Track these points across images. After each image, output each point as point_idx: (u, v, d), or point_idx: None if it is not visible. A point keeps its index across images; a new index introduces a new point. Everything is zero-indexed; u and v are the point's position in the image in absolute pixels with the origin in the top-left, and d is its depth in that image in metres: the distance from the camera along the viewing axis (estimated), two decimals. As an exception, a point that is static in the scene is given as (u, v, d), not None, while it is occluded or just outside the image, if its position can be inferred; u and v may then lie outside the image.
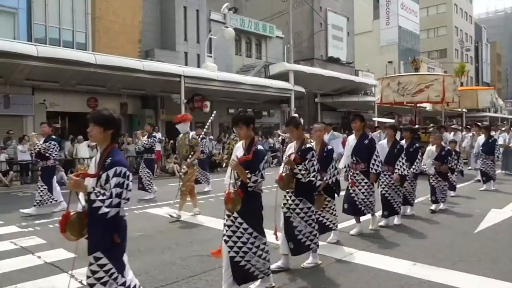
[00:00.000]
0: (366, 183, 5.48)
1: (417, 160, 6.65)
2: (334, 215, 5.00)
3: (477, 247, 4.96)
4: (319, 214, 4.83)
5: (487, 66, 59.43)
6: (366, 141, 5.49)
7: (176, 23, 20.71)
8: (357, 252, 4.74)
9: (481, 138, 10.35)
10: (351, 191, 5.58)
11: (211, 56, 19.20)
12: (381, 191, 6.10)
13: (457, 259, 4.49)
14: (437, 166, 7.20)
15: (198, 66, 19.55)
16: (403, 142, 6.72)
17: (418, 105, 17.74)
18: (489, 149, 9.85)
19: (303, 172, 3.96)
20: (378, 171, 5.50)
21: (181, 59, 20.40)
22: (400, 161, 5.91)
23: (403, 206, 6.50)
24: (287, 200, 4.12)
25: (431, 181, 7.35)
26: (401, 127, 13.99)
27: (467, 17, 54.21)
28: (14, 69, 12.58)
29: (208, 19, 22.59)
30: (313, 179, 4.02)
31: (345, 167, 5.86)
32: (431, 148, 7.46)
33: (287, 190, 4.10)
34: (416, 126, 13.85)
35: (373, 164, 5.41)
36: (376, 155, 5.45)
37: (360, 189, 5.49)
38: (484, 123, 21.89)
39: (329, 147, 5.01)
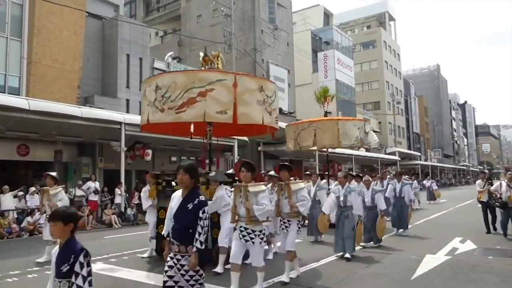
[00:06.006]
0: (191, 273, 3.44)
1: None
2: None
3: (414, 294, 5.05)
4: None
5: (416, 118, 64.20)
6: (191, 206, 3.47)
7: (118, 71, 20.50)
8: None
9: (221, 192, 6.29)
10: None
11: (153, 104, 19.00)
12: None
13: (395, 308, 4.52)
14: None
15: (140, 114, 19.26)
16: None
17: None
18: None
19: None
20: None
21: (122, 106, 20.02)
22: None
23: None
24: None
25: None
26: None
27: (396, 73, 58.94)
28: None
29: (152, 67, 22.62)
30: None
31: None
32: None
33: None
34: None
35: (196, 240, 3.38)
36: (201, 226, 3.42)
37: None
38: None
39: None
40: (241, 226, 4.91)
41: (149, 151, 17.04)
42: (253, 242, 4.83)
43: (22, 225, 11.74)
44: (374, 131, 48.18)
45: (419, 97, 67.79)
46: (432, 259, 7.10)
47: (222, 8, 24.79)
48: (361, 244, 8.10)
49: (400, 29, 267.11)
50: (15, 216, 12.09)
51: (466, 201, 20.92)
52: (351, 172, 12.67)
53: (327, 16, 51.85)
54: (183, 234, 3.43)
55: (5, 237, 10.94)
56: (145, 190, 7.89)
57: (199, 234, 3.36)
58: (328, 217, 7.41)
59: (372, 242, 8.45)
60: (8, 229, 11.21)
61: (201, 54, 7.77)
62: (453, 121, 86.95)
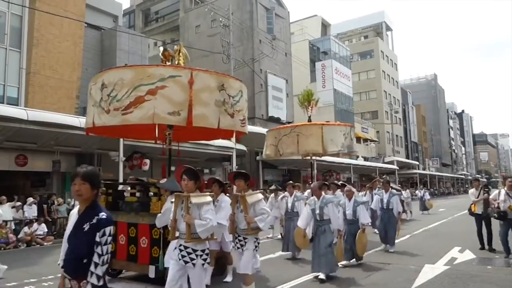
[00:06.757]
0: None
1: None
2: None
3: (413, 305, 5.03)
4: None
5: (414, 127, 64.41)
6: (87, 226, 2.53)
7: (117, 81, 20.61)
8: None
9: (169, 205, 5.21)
10: None
11: (152, 114, 19.05)
12: None
13: (395, 319, 4.50)
14: None
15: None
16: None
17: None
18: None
19: None
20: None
21: (121, 116, 20.09)
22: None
23: None
24: None
25: None
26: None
27: (394, 83, 59.25)
28: None
29: (150, 77, 22.73)
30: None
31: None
32: None
33: None
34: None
35: (91, 273, 2.48)
36: (99, 253, 2.49)
37: None
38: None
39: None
40: (180, 245, 4.13)
41: (147, 161, 17.01)
42: (193, 264, 4.04)
43: (19, 236, 11.69)
44: (372, 141, 48.12)
45: (417, 106, 68.07)
46: (431, 269, 7.07)
47: (220, 19, 25.01)
48: (342, 263, 7.23)
49: (397, 39, 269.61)
50: (13, 227, 12.03)
51: (465, 210, 20.84)
52: (335, 181, 11.93)
53: (325, 26, 52.26)
54: (76, 265, 2.52)
55: (2, 248, 10.88)
56: None
57: (96, 265, 2.46)
58: (304, 231, 6.56)
59: (354, 260, 7.60)
60: (5, 240, 11.15)
61: (161, 49, 6.85)
62: (450, 130, 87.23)
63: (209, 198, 4.23)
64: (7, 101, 15.94)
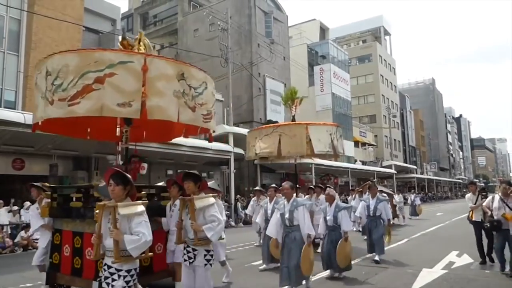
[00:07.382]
0: None
1: None
2: None
3: (411, 309, 5.01)
4: None
5: (412, 131, 64.52)
6: None
7: (115, 84, 20.58)
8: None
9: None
10: None
11: (150, 117, 19.01)
12: None
13: (392, 324, 4.48)
14: None
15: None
16: None
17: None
18: None
19: None
20: None
21: (119, 119, 20.05)
22: None
23: None
24: None
25: None
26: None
27: (392, 87, 59.40)
28: None
29: (148, 81, 22.71)
30: None
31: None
32: None
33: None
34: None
35: None
36: None
37: None
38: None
39: None
40: (105, 264, 3.43)
41: (145, 165, 16.80)
42: (112, 286, 3.33)
43: (16, 240, 11.63)
44: (370, 145, 48.08)
45: (415, 110, 68.26)
46: (428, 273, 7.06)
47: (218, 23, 25.03)
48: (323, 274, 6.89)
49: (396, 43, 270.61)
50: (9, 231, 11.98)
51: (462, 214, 20.89)
52: (320, 184, 11.62)
53: (323, 30, 52.42)
54: None
55: (-1, 252, 10.82)
56: (34, 208, 6.35)
57: None
58: (276, 241, 5.78)
59: (330, 270, 6.91)
60: (2, 244, 11.09)
61: (120, 38, 6.08)
62: (448, 134, 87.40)
63: (141, 208, 3.49)
64: (4, 105, 15.90)
